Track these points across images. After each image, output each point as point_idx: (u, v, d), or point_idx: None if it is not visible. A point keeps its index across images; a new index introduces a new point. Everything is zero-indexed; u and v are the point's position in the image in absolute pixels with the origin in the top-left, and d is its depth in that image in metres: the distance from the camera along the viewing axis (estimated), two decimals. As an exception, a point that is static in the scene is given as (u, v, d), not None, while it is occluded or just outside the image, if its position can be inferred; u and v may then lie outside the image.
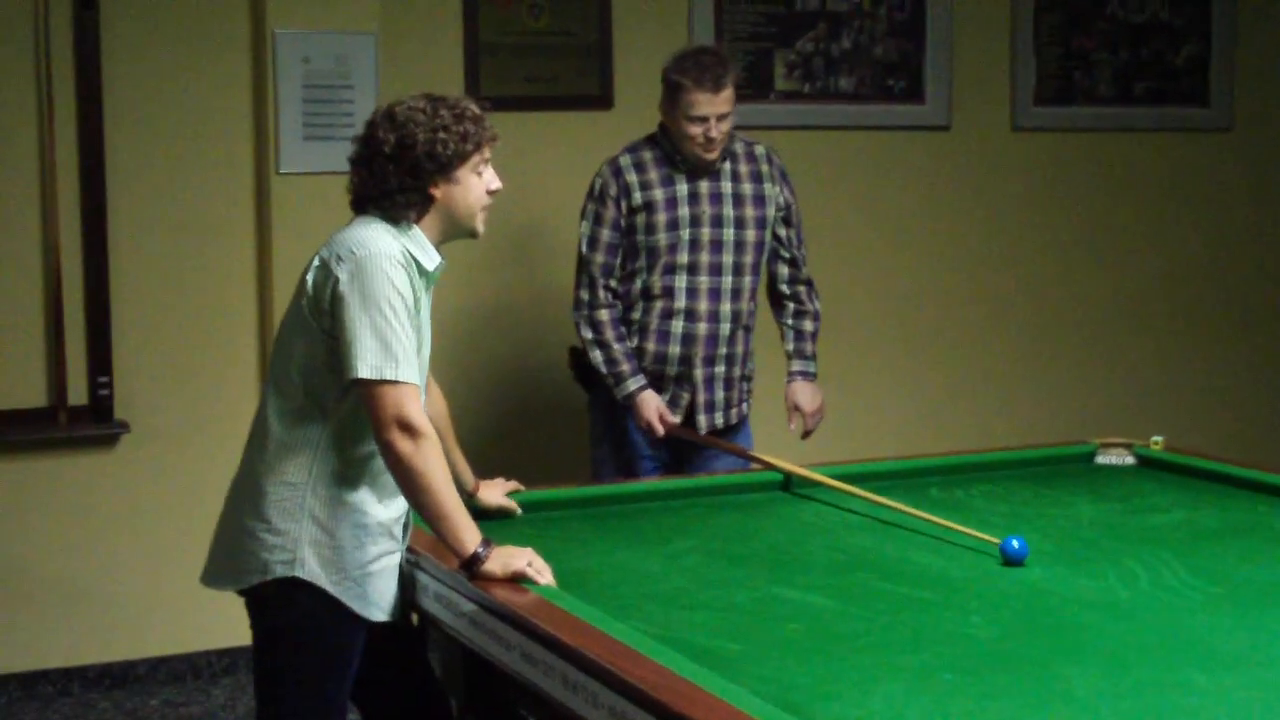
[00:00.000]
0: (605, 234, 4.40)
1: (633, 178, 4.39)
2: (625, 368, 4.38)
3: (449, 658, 3.28)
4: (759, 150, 4.52)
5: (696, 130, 4.29)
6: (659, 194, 4.37)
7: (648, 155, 4.42)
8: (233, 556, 3.12)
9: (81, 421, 5.13)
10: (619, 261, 4.42)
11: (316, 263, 3.09)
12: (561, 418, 5.55)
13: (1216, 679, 2.59)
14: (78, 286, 5.10)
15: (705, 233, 4.39)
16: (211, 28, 5.19)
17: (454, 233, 3.17)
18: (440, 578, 3.07)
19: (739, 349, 4.47)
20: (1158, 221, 6.59)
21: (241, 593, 3.14)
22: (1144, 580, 3.16)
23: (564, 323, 5.62)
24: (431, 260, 3.12)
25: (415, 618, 3.28)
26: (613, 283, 4.42)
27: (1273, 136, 6.73)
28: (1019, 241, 6.38)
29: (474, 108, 3.13)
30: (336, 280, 3.01)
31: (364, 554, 3.09)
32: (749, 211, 4.43)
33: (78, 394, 5.13)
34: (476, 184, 3.13)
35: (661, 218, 4.37)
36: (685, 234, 4.37)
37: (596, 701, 2.51)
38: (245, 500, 3.12)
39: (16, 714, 5.04)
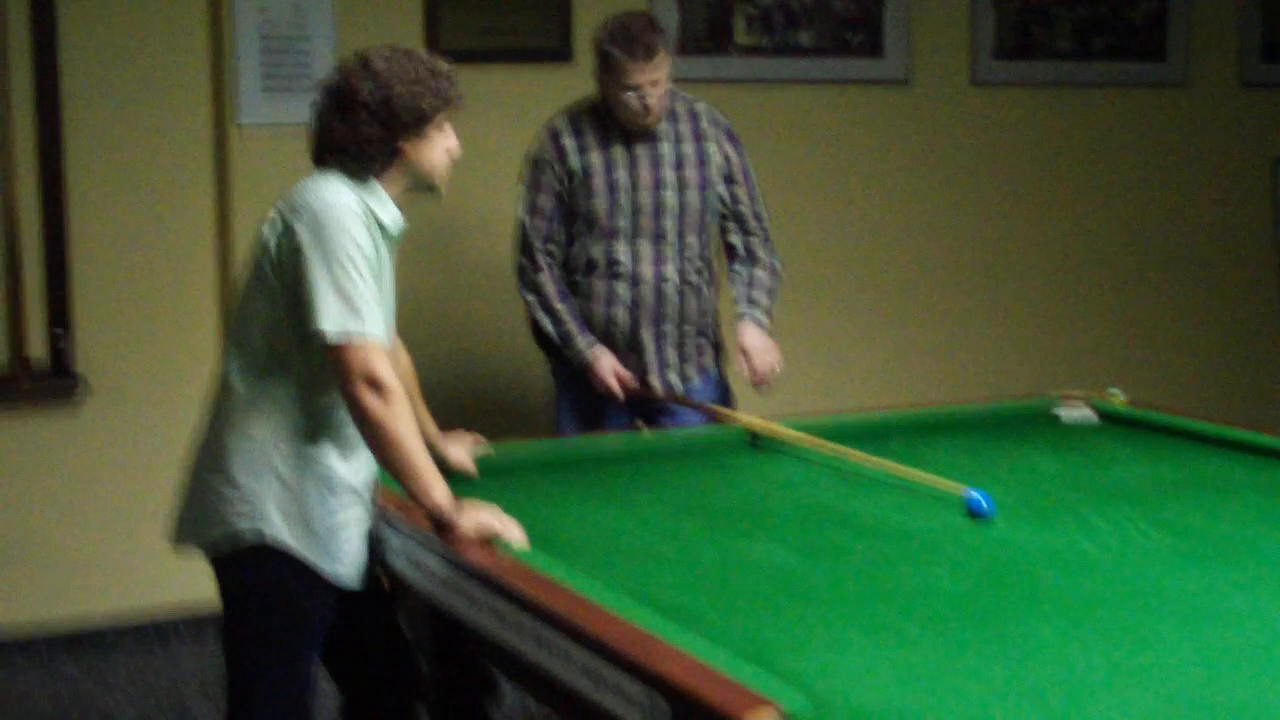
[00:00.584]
0: (543, 200, 4.38)
1: (569, 143, 4.36)
2: (572, 327, 4.37)
3: (418, 618, 3.28)
4: (700, 108, 4.46)
5: (632, 99, 4.25)
6: (596, 159, 4.34)
7: (586, 120, 4.39)
8: (197, 513, 3.11)
9: (41, 380, 5.08)
10: (560, 226, 4.39)
11: (274, 217, 3.06)
12: (526, 375, 5.55)
13: (1180, 631, 2.62)
14: (36, 243, 5.05)
15: (645, 197, 4.35)
16: (168, -22, 5.14)
17: (414, 188, 3.16)
18: (409, 536, 3.07)
19: (689, 309, 4.42)
20: (1115, 175, 6.62)
21: (209, 559, 3.13)
22: (1107, 534, 3.18)
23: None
24: (390, 214, 3.11)
25: (384, 579, 3.27)
26: (553, 248, 4.40)
27: (1228, 92, 6.76)
28: (978, 195, 6.40)
29: (445, 65, 3.12)
30: (295, 235, 2.99)
31: (327, 509, 3.07)
32: (690, 173, 4.39)
33: (37, 351, 5.09)
34: (441, 142, 3.12)
35: (600, 182, 4.34)
36: (624, 199, 4.34)
37: (568, 658, 2.51)
38: (208, 457, 3.10)
39: (-23, 673, 5.03)
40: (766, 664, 2.39)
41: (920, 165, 6.29)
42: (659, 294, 4.37)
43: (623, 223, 4.34)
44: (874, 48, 6.15)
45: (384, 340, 3.03)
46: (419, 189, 3.16)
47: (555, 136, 4.38)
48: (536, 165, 4.40)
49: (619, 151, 4.35)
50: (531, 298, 4.41)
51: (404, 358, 3.44)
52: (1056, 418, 4.27)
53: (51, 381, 5.08)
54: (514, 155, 5.54)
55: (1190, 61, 6.66)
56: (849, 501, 3.49)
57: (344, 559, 3.10)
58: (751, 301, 4.45)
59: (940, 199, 6.33)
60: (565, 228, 4.40)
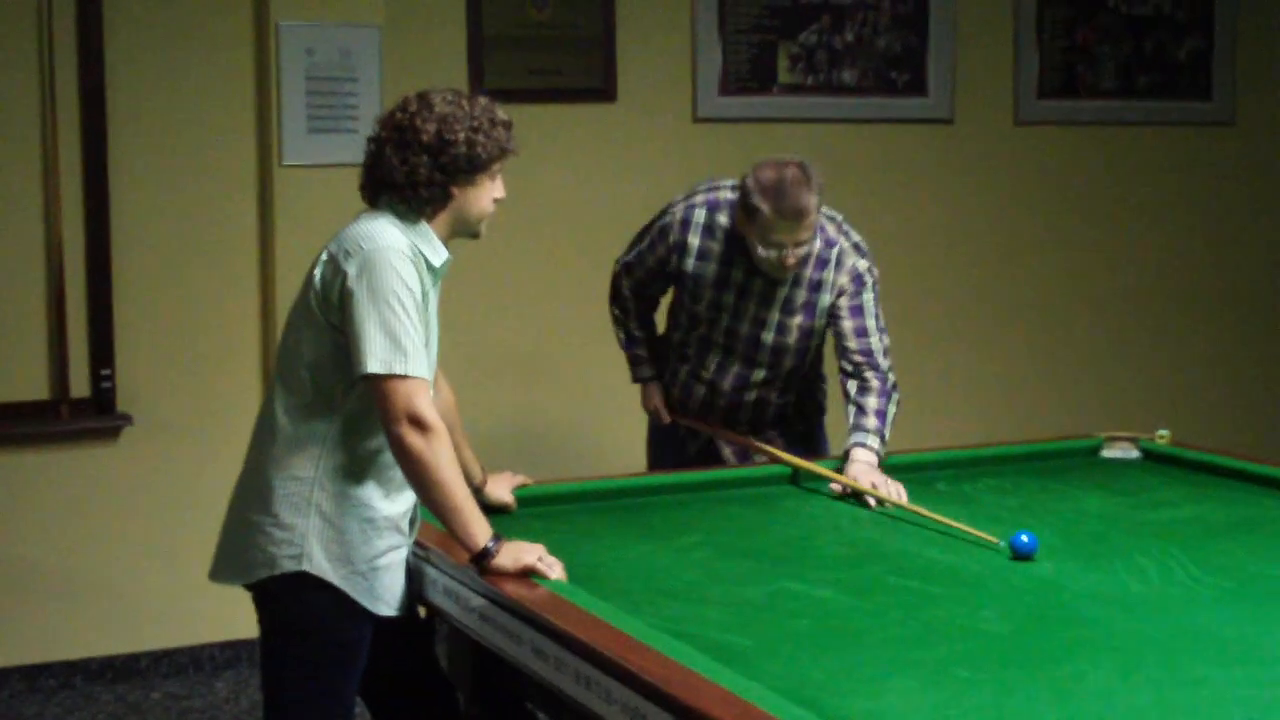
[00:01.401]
0: (650, 259, 4.25)
1: (694, 241, 4.13)
2: (642, 352, 4.37)
3: (457, 652, 3.28)
4: (833, 254, 4.09)
5: (771, 255, 3.95)
6: (711, 272, 4.12)
7: (723, 221, 4.09)
8: (240, 552, 3.12)
9: (84, 414, 5.12)
10: (650, 285, 4.32)
11: (324, 258, 3.08)
12: (562, 411, 5.55)
13: (1228, 673, 2.59)
14: (80, 279, 5.10)
15: (745, 328, 4.15)
16: (215, 20, 5.18)
17: (458, 233, 3.18)
18: (449, 572, 3.07)
19: (764, 414, 4.29)
20: (1160, 214, 6.59)
21: (249, 587, 3.14)
22: (1154, 575, 3.16)
23: (570, 312, 5.63)
24: (439, 256, 3.12)
25: (423, 611, 3.27)
26: (642, 295, 4.36)
27: (1274, 130, 6.73)
28: (1022, 235, 6.38)
29: (504, 115, 3.14)
30: (345, 275, 3.00)
31: (371, 548, 3.08)
32: (795, 319, 4.13)
33: (80, 387, 5.12)
34: (489, 190, 3.14)
35: (706, 294, 4.15)
36: (724, 321, 4.16)
37: (610, 697, 2.50)
38: (252, 495, 3.11)
39: (18, 707, 5.03)
40: (812, 704, 2.37)
41: (964, 204, 6.28)
42: (732, 403, 4.27)
43: (719, 338, 4.20)
44: (918, 86, 6.15)
45: (428, 380, 3.04)
46: (461, 233, 3.18)
47: (686, 225, 4.14)
48: (660, 231, 4.20)
49: (738, 275, 4.10)
50: (618, 312, 4.39)
51: (446, 393, 3.44)
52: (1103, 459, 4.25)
53: (95, 419, 5.11)
54: (557, 194, 5.59)
55: (1236, 99, 6.63)
56: (892, 540, 3.47)
57: (385, 596, 3.11)
58: (861, 429, 4.04)
59: (984, 238, 6.32)
60: (657, 287, 4.33)
